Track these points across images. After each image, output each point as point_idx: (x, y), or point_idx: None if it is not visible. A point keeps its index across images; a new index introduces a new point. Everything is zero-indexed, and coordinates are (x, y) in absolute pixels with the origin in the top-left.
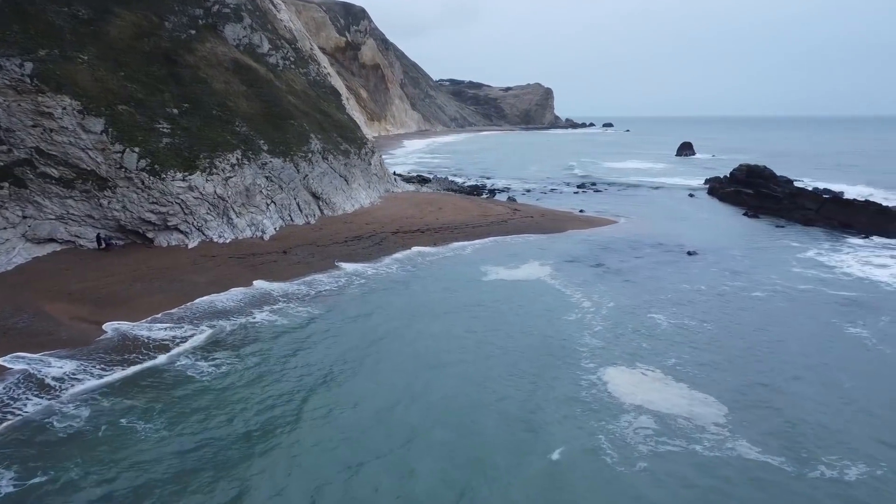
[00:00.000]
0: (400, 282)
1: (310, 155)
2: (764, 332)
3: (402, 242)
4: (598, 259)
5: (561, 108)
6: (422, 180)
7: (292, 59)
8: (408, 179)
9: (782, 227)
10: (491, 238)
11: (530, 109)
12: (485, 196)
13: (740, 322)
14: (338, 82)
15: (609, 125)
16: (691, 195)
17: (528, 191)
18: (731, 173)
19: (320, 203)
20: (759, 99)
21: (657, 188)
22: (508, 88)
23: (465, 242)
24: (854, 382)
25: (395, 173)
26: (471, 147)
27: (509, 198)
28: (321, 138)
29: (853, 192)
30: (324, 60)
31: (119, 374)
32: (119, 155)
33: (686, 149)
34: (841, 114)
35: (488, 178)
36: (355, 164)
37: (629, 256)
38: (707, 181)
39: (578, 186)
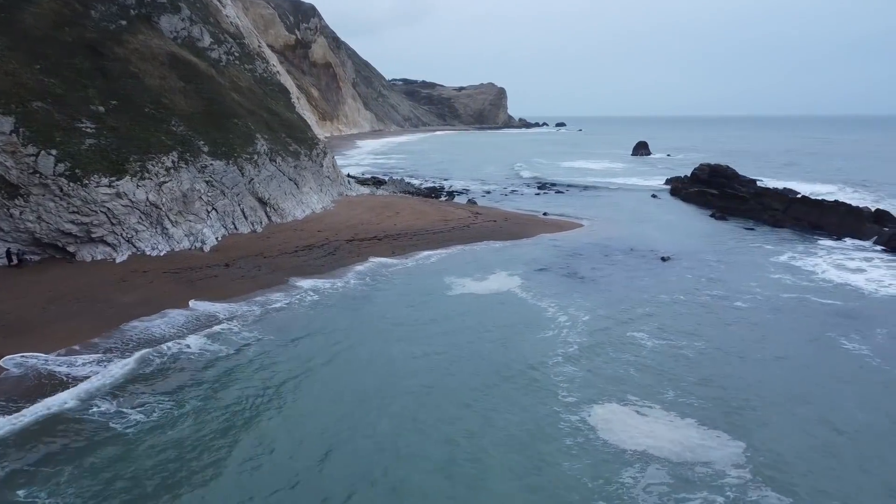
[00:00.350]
0: (357, 298)
1: (256, 157)
2: (760, 350)
3: (358, 252)
4: (569, 267)
5: (514, 108)
6: (377, 182)
7: (237, 54)
8: (362, 182)
9: (751, 229)
10: (455, 246)
11: (484, 109)
12: (443, 198)
13: (732, 339)
14: (288, 81)
15: (562, 125)
16: (654, 196)
17: (488, 192)
18: (692, 173)
19: (268, 209)
20: (707, 99)
21: (618, 189)
22: (462, 88)
23: (428, 252)
24: (871, 415)
25: (349, 175)
26: (425, 147)
27: (469, 200)
28: (268, 139)
29: (809, 190)
30: (273, 58)
31: (17, 423)
32: (32, 158)
33: (641, 148)
34: (787, 114)
35: (445, 180)
36: (306, 167)
37: (602, 263)
38: (668, 181)
39: (539, 188)
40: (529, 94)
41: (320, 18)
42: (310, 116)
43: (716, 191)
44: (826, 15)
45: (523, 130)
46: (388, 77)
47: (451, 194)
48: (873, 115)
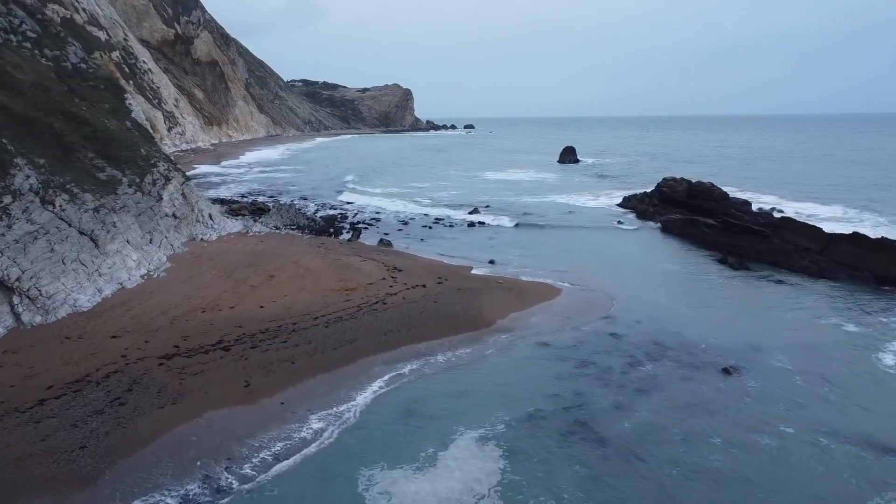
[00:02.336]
0: None
1: (5, 200)
2: None
3: (167, 397)
4: (579, 409)
5: (420, 111)
6: (257, 211)
7: (31, 34)
8: (236, 211)
9: (792, 284)
10: (368, 366)
11: (389, 111)
12: (345, 235)
13: None
14: (163, 81)
15: (470, 127)
16: (620, 223)
17: (405, 223)
18: (658, 190)
19: (15, 300)
20: (584, 100)
21: (570, 213)
22: (366, 89)
23: (314, 382)
24: None
25: (220, 202)
26: (325, 155)
27: (381, 240)
28: (45, 165)
29: (797, 209)
30: (145, 54)
31: None
32: None
33: (569, 154)
34: (655, 114)
35: (348, 203)
36: (125, 206)
37: (629, 392)
38: (627, 201)
39: (470, 213)
40: (434, 97)
41: (203, 11)
42: (193, 121)
43: (713, 220)
44: (692, 22)
45: (431, 133)
46: (287, 78)
47: (355, 228)
48: (727, 115)
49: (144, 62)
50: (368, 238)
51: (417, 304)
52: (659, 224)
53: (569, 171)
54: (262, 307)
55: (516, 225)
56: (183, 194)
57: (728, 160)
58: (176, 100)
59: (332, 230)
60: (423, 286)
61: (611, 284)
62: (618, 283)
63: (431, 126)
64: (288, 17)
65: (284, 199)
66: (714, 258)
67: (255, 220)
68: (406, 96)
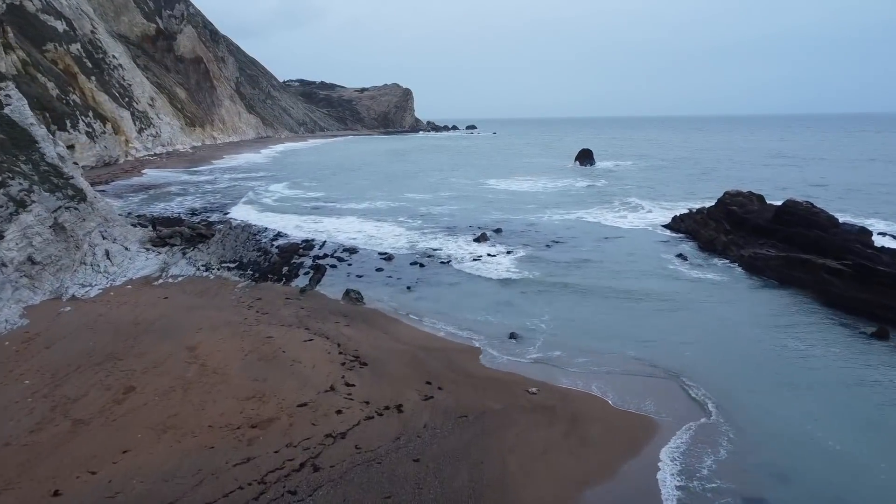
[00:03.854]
0: None
1: None
2: None
3: None
4: None
5: (422, 111)
6: (193, 238)
7: None
8: (165, 238)
9: None
10: None
11: (389, 112)
12: (302, 278)
13: None
14: (136, 78)
15: (472, 127)
16: (682, 258)
17: (388, 258)
18: (725, 210)
19: None
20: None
21: (606, 239)
22: (364, 89)
23: None
24: None
25: (156, 221)
26: (313, 160)
27: (349, 290)
28: None
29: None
30: (117, 48)
31: None
32: None
33: (586, 158)
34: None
35: (322, 217)
36: None
37: None
38: (677, 221)
39: (475, 239)
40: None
41: (188, 5)
42: (172, 122)
43: (837, 263)
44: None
45: (433, 134)
46: (284, 78)
47: (318, 267)
48: (727, 115)
49: (115, 57)
50: (334, 283)
51: (382, 472)
52: (737, 261)
53: (588, 178)
54: (56, 494)
55: (538, 262)
56: (57, 226)
57: (772, 165)
58: (152, 99)
59: (286, 270)
60: (399, 409)
61: (727, 397)
62: (736, 390)
63: (432, 127)
64: (283, 18)
65: (239, 217)
66: (857, 330)
67: (183, 254)
68: (406, 96)
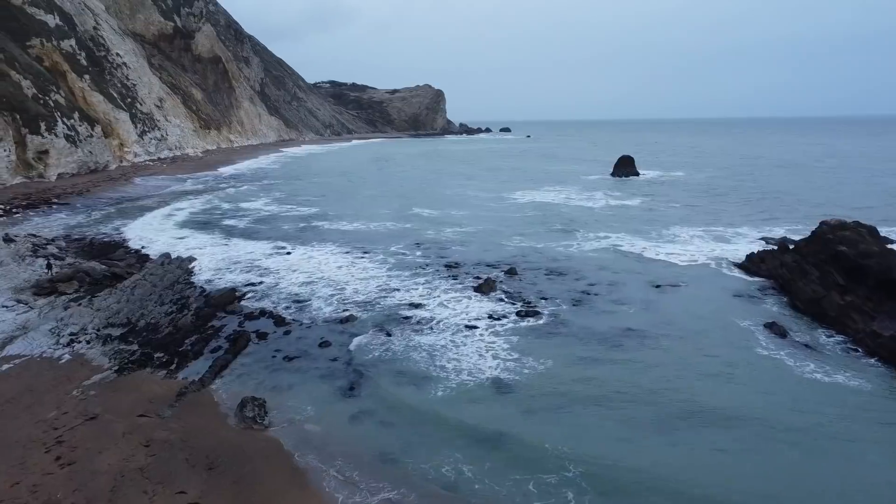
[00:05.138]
0: None
1: None
2: None
3: None
4: None
5: (453, 113)
6: (101, 281)
7: None
8: (63, 280)
9: None
10: None
11: (420, 114)
12: (200, 365)
13: None
14: (144, 78)
15: (506, 130)
16: (777, 330)
17: (347, 320)
18: (832, 252)
19: None
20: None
21: (658, 288)
22: (395, 91)
23: None
24: None
25: (46, 266)
26: (329, 164)
27: (245, 405)
28: None
29: None
30: (120, 46)
31: None
32: None
33: (626, 166)
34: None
35: (296, 246)
36: None
37: None
38: (755, 263)
39: (478, 289)
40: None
41: (208, 2)
42: (184, 125)
43: None
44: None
45: (465, 137)
46: (314, 80)
47: (237, 338)
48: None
49: (119, 55)
50: (247, 371)
51: None
52: (868, 343)
53: (630, 191)
54: None
55: (560, 337)
56: None
57: (845, 180)
58: (160, 100)
59: (190, 342)
60: None
61: None
62: None
63: (465, 129)
64: (313, 20)
65: (184, 250)
66: None
67: (65, 308)
68: (437, 98)
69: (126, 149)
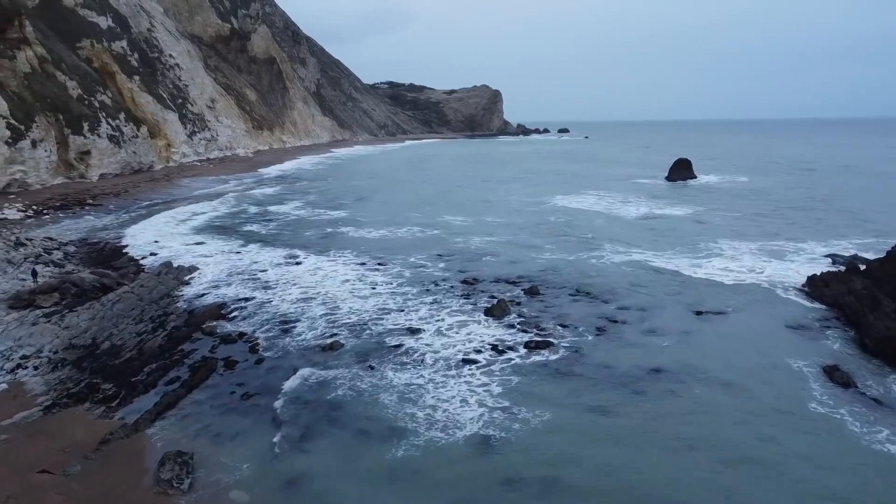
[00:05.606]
0: None
1: None
2: None
3: None
4: None
5: (511, 113)
6: (87, 292)
7: None
8: (45, 291)
9: None
10: None
11: (476, 114)
12: (146, 401)
13: None
14: (196, 79)
15: (565, 131)
16: (843, 380)
17: (331, 347)
18: None
19: None
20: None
21: (705, 315)
22: (452, 91)
23: None
24: None
25: (32, 276)
26: (373, 166)
27: (166, 461)
28: None
29: None
30: (172, 46)
31: None
32: None
33: (682, 169)
34: (763, 117)
35: (308, 255)
36: None
37: None
38: (817, 284)
39: (489, 312)
40: (527, 99)
41: (265, 3)
42: (237, 125)
43: None
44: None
45: (521, 138)
46: (372, 81)
47: (199, 367)
48: (856, 117)
49: (172, 56)
50: (196, 411)
51: None
52: None
53: (682, 198)
54: None
55: (573, 380)
56: None
57: None
58: (212, 100)
59: (149, 370)
60: None
61: None
62: None
63: (522, 130)
64: (373, 24)
65: (214, 250)
66: None
67: (35, 323)
68: (494, 98)
69: (173, 149)
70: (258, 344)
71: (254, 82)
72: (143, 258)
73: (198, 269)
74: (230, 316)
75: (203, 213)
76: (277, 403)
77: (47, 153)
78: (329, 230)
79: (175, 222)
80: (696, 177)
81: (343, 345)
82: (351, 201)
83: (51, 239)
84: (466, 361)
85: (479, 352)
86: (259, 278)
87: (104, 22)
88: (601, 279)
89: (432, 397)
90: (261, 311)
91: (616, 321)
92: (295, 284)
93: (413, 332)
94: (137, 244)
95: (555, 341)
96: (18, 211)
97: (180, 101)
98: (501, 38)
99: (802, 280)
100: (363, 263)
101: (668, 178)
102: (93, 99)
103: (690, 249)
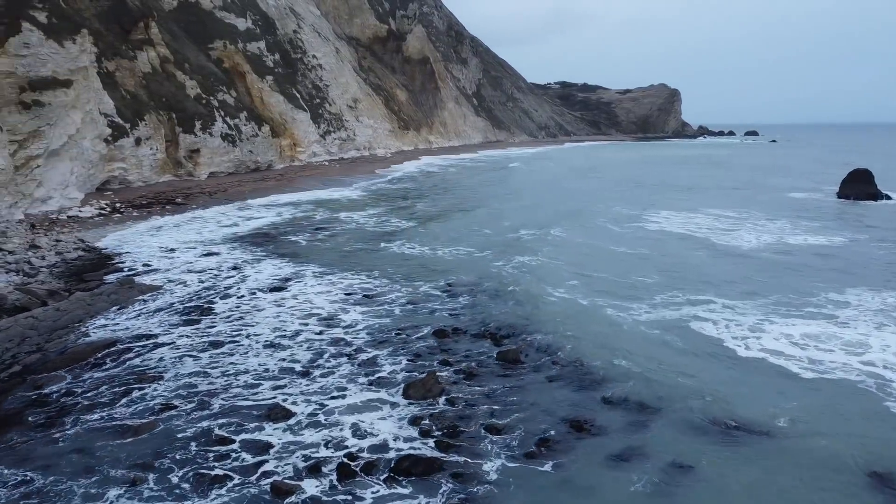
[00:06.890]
0: None
1: None
2: None
3: None
4: None
5: (694, 115)
6: (4, 311)
7: None
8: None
9: None
10: None
11: (650, 115)
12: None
13: None
14: (340, 79)
15: (753, 133)
16: None
17: (137, 430)
18: None
19: None
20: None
21: (741, 440)
22: (627, 91)
23: None
24: None
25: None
26: (506, 170)
27: None
28: None
29: None
30: (319, 47)
31: None
32: None
33: (858, 183)
34: None
35: (311, 279)
36: None
37: None
38: None
39: (406, 392)
40: (713, 100)
41: (422, 3)
42: (382, 125)
43: None
44: None
45: (698, 141)
46: (545, 81)
47: None
48: None
49: (315, 57)
50: None
51: None
52: None
53: (847, 223)
54: None
55: None
56: None
57: None
58: (354, 101)
59: None
60: None
61: None
62: None
63: (703, 132)
64: (552, 25)
65: (218, 260)
66: None
67: None
68: (671, 98)
69: (300, 149)
70: (65, 412)
71: (406, 82)
72: (130, 271)
73: (160, 289)
74: (103, 361)
75: (261, 217)
76: None
77: (152, 151)
78: (371, 245)
79: (219, 226)
80: (879, 196)
81: (158, 425)
82: (432, 209)
83: (82, 241)
84: (281, 492)
85: (317, 470)
86: (211, 308)
87: (243, 24)
88: (617, 341)
89: None
90: (132, 360)
91: (587, 425)
92: (240, 320)
93: (276, 417)
94: (143, 252)
95: (459, 460)
96: (95, 209)
97: (318, 101)
98: (686, 37)
99: None
100: (350, 294)
101: (839, 195)
102: (211, 98)
103: (786, 303)
